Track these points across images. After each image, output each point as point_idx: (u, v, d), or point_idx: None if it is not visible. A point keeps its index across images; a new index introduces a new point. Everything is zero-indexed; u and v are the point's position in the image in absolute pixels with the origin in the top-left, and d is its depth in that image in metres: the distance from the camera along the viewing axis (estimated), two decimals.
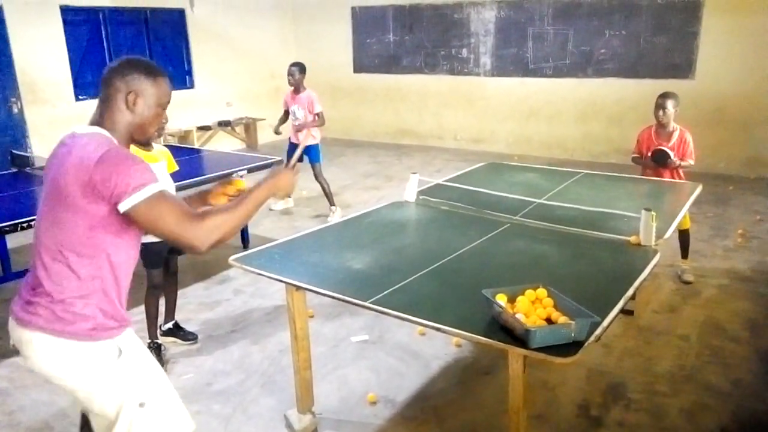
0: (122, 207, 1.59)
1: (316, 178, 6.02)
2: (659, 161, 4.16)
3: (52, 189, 1.67)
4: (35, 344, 1.70)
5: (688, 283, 4.31)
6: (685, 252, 4.40)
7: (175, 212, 1.61)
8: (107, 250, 1.69)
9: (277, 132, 6.34)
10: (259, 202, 1.80)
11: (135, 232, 1.74)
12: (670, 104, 4.18)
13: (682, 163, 4.18)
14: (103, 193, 1.59)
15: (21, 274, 3.45)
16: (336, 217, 5.86)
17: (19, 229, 3.52)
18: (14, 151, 5.61)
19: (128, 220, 1.64)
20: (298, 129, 5.96)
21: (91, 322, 1.70)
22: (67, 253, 1.66)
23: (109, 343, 1.75)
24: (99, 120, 1.75)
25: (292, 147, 6.13)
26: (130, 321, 1.84)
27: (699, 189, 3.69)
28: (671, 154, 4.10)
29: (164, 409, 1.83)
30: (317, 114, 5.90)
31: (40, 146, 7.17)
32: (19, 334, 1.73)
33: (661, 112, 4.21)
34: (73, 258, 1.66)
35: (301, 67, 5.92)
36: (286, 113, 6.13)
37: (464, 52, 9.30)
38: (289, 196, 6.47)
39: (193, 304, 4.20)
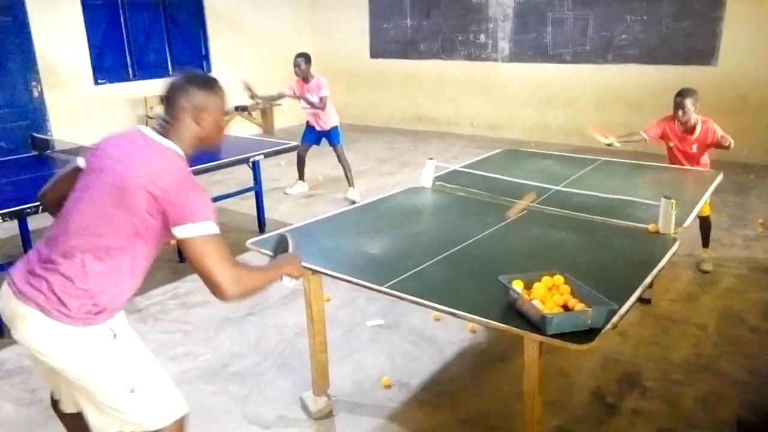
0: (178, 232, 1.68)
1: (339, 159, 6.11)
2: None
3: (113, 185, 1.70)
4: (29, 320, 1.71)
5: (706, 272, 4.27)
6: (706, 240, 4.33)
7: (220, 255, 1.69)
8: (139, 251, 1.75)
9: (249, 94, 5.88)
10: (279, 275, 1.94)
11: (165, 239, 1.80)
12: (688, 102, 4.01)
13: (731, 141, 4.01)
14: (167, 211, 1.67)
15: None
16: (355, 193, 6.03)
17: (39, 211, 3.56)
18: (35, 134, 5.68)
19: (174, 239, 1.72)
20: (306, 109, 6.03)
21: (92, 310, 1.73)
22: (102, 247, 1.70)
23: (102, 328, 1.77)
24: (166, 132, 1.82)
25: (309, 129, 6.19)
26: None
27: (720, 177, 3.64)
28: None
29: (155, 394, 1.86)
30: (321, 98, 5.90)
31: (59, 130, 7.22)
32: (15, 307, 1.73)
33: (680, 113, 4.05)
34: (103, 252, 1.71)
35: (306, 57, 5.93)
36: (280, 95, 6.20)
37: (482, 37, 9.20)
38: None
39: None
